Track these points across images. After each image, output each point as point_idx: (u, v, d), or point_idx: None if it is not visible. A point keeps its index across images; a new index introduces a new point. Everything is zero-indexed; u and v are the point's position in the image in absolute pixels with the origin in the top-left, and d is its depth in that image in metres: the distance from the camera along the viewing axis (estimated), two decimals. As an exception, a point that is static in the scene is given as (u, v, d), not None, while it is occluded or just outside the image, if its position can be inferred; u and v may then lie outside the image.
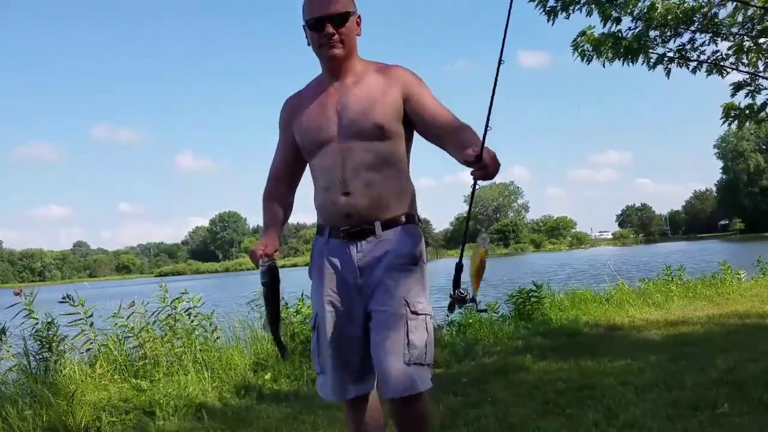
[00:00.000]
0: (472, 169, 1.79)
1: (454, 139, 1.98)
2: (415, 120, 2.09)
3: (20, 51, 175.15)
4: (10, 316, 4.54)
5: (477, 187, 1.95)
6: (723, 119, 6.91)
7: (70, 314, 4.74)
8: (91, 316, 4.77)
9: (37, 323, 4.50)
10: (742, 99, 6.73)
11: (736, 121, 6.80)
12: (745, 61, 6.61)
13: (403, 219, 2.09)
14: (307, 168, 2.24)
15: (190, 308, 5.17)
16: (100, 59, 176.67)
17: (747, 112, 6.66)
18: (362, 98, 2.04)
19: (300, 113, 2.12)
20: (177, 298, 5.15)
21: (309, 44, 2.09)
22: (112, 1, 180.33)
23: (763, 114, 6.67)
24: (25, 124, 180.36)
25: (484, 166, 1.76)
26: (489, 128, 1.85)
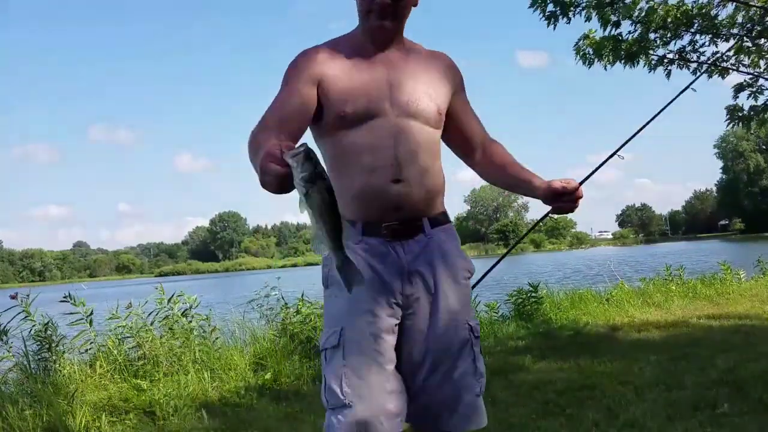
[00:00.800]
0: (557, 203, 1.77)
1: (490, 155, 1.90)
2: (451, 120, 1.86)
3: (18, 51, 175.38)
4: (7, 318, 4.55)
5: (554, 217, 1.92)
6: (727, 121, 6.92)
7: (71, 314, 4.75)
8: (91, 314, 4.77)
9: (34, 324, 4.50)
10: (744, 100, 6.74)
11: (740, 123, 6.80)
12: (746, 62, 6.61)
13: (443, 218, 1.81)
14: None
15: (186, 309, 5.18)
16: (96, 59, 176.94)
17: (752, 113, 6.66)
18: (419, 78, 1.77)
19: (337, 72, 1.71)
20: (171, 298, 5.16)
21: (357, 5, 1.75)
22: (108, 2, 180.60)
23: (765, 115, 6.67)
24: (23, 125, 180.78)
25: (576, 198, 1.74)
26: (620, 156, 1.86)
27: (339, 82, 1.69)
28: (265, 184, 1.32)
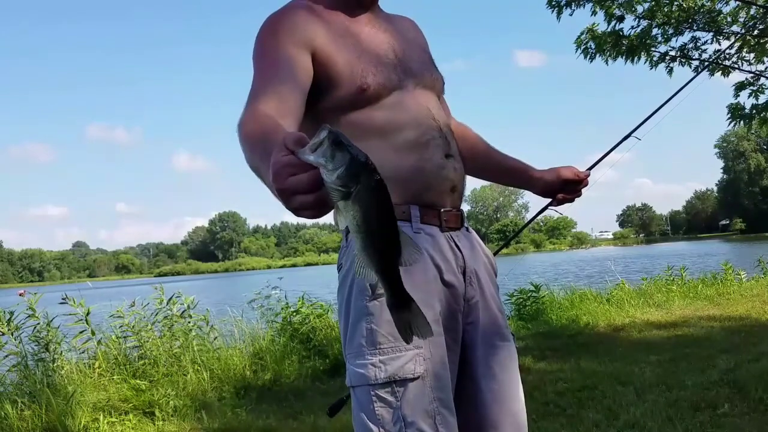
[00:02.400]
0: (561, 193, 1.62)
1: (463, 138, 1.53)
2: None
3: (14, 51, 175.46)
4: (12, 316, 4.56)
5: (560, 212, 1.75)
6: (729, 119, 6.92)
7: (71, 314, 4.75)
8: (88, 314, 4.77)
9: (38, 322, 4.51)
10: (745, 99, 6.75)
11: (742, 122, 6.80)
12: (748, 58, 6.61)
13: None
14: None
15: (184, 310, 5.18)
16: (92, 58, 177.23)
17: (754, 111, 6.66)
18: (416, 44, 1.49)
19: (335, 37, 1.33)
20: (171, 299, 5.16)
21: None
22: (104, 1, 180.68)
23: (766, 114, 6.67)
24: (19, 124, 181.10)
25: (582, 187, 1.62)
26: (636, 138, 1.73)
27: (344, 48, 1.32)
28: (296, 211, 0.84)
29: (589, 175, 1.64)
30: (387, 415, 1.16)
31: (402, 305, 0.94)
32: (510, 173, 1.66)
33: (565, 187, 1.61)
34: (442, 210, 1.32)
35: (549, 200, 1.67)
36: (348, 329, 1.23)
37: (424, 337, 0.98)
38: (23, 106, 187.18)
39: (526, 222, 1.90)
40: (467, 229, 1.41)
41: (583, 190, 1.65)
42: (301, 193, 0.81)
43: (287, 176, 0.82)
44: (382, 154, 1.26)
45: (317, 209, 0.82)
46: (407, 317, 0.95)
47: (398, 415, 1.16)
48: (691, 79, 2.10)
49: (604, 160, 1.83)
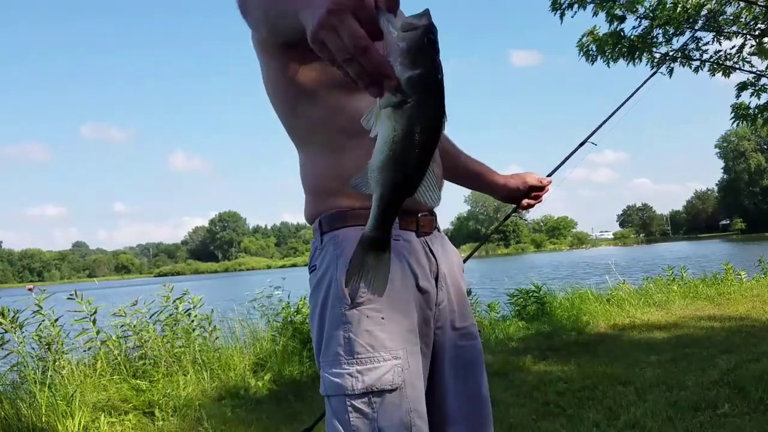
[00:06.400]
0: (526, 199, 1.65)
1: None
2: None
3: (9, 50, 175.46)
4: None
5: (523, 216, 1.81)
6: (732, 119, 6.92)
7: (77, 311, 4.76)
8: (95, 313, 4.78)
9: (43, 320, 4.51)
10: (747, 98, 6.75)
11: (745, 121, 6.81)
12: (749, 59, 6.62)
13: None
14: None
15: (190, 309, 5.19)
16: (87, 57, 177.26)
17: (756, 111, 6.67)
18: None
19: None
20: (179, 298, 5.18)
21: None
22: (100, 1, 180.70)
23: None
24: (14, 123, 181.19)
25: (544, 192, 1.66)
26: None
27: None
28: (327, 41, 0.67)
29: (551, 182, 1.67)
30: (363, 426, 1.13)
31: (376, 246, 0.82)
32: (474, 177, 1.61)
33: (529, 193, 1.65)
34: (419, 215, 1.27)
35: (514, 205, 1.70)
36: (324, 336, 1.19)
37: (373, 294, 0.93)
38: (17, 106, 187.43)
39: (494, 226, 1.96)
40: (437, 229, 1.37)
41: (544, 196, 1.67)
42: (355, 36, 0.64)
43: (348, 11, 0.65)
44: (354, 142, 1.18)
45: (372, 77, 0.67)
46: (370, 261, 0.83)
47: (374, 426, 1.13)
48: (642, 85, 2.16)
49: (565, 164, 1.89)
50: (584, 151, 1.93)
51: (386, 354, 1.14)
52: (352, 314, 1.16)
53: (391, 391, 1.14)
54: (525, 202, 1.65)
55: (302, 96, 1.22)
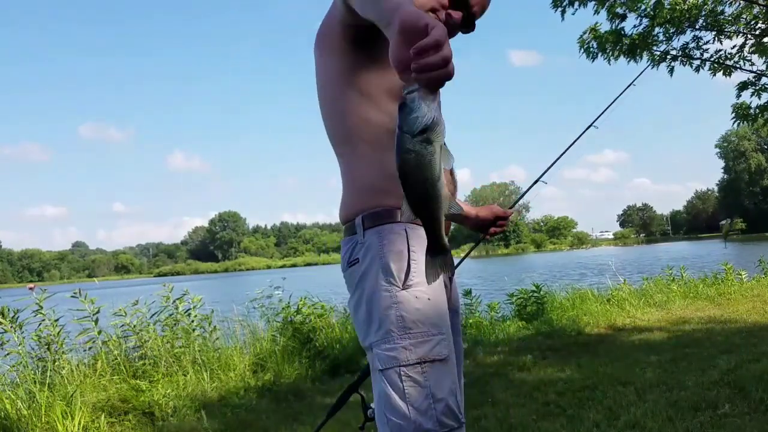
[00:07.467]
0: (491, 227, 1.83)
1: None
2: None
3: (9, 50, 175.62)
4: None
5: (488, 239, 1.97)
6: (733, 119, 6.92)
7: (79, 310, 4.76)
8: (98, 312, 4.78)
9: (43, 319, 4.51)
10: (747, 98, 6.76)
11: (745, 121, 6.81)
12: (749, 58, 6.62)
13: None
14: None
15: (190, 309, 5.19)
16: (86, 57, 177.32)
17: (757, 111, 6.67)
18: None
19: None
20: (179, 299, 5.17)
21: None
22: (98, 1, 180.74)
23: None
24: (13, 124, 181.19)
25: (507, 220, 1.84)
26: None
27: None
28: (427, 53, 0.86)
29: (512, 213, 1.88)
30: (416, 393, 1.24)
31: (439, 251, 1.07)
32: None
33: (495, 222, 1.85)
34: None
35: (482, 234, 1.91)
36: (374, 319, 1.30)
37: (445, 273, 1.14)
38: (16, 106, 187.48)
39: (467, 251, 2.17)
40: None
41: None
42: (443, 54, 0.84)
43: (445, 42, 0.85)
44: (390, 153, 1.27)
45: (439, 69, 0.85)
46: (440, 261, 1.09)
47: (428, 393, 1.25)
48: (637, 77, 2.28)
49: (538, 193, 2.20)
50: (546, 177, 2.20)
51: (434, 329, 1.28)
52: (402, 295, 1.29)
53: (441, 360, 1.27)
54: (493, 230, 1.86)
55: (361, 97, 1.33)
